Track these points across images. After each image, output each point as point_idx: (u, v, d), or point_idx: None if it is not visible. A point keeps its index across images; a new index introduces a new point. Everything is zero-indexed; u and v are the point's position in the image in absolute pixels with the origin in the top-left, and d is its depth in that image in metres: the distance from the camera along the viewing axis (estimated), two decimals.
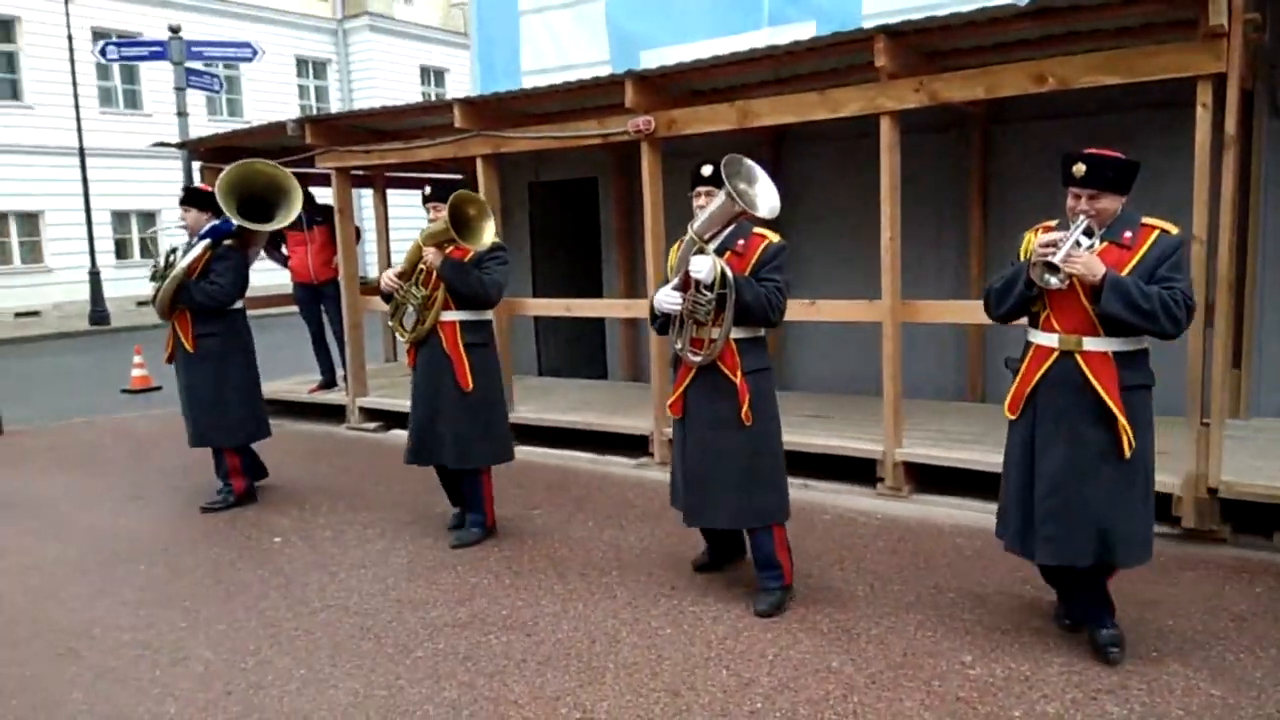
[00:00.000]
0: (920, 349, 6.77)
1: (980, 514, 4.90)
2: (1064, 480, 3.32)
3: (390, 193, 10.14)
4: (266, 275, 15.04)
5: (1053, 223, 3.43)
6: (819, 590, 4.16)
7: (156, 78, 21.06)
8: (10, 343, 17.10)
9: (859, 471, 5.67)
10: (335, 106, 26.50)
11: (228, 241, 5.64)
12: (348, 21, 27.03)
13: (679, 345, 4.00)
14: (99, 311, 18.96)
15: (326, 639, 3.84)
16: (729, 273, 3.80)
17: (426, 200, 4.85)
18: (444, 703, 3.30)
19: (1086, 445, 3.29)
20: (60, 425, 8.62)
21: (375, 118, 7.60)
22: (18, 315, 20.23)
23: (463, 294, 4.76)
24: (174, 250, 5.67)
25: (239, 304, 5.73)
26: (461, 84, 27.82)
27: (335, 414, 8.24)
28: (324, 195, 8.45)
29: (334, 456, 7.05)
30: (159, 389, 10.48)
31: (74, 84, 18.61)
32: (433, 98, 27.52)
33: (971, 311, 5.10)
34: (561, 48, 9.23)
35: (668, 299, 3.98)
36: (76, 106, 18.56)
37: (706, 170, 3.92)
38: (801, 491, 5.66)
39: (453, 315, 4.83)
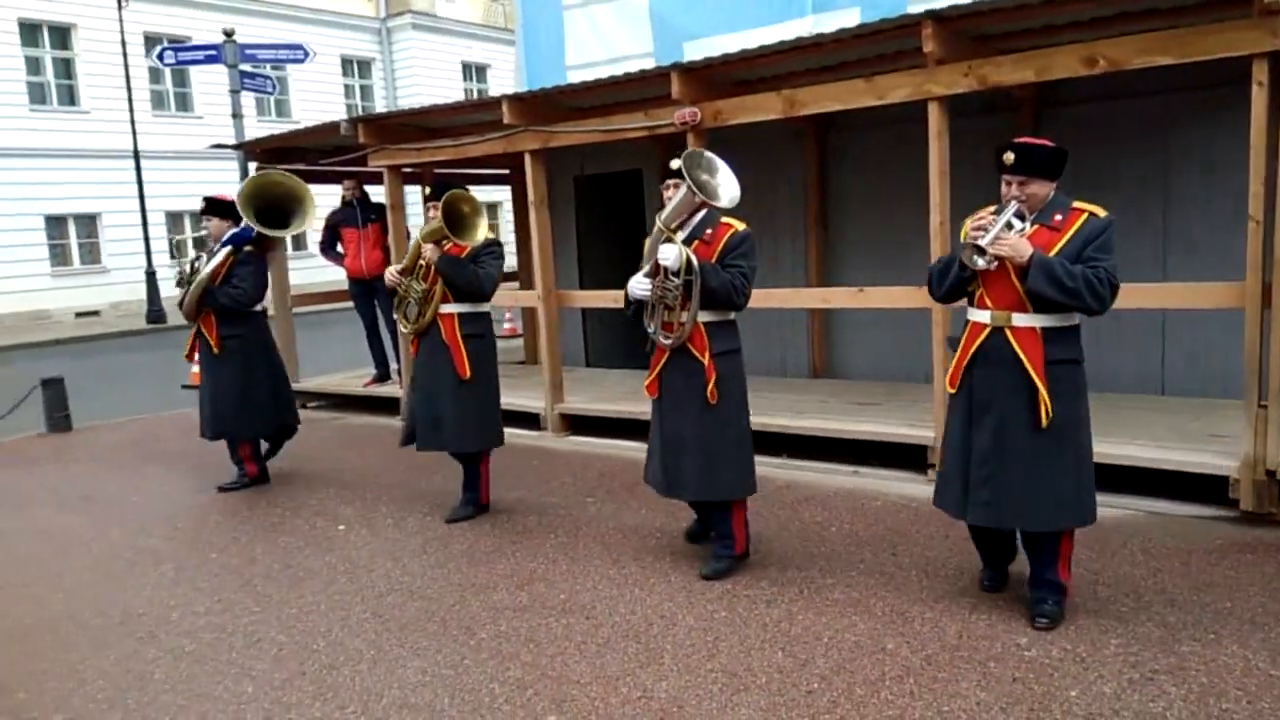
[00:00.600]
0: None
1: None
2: (994, 449, 3.51)
3: None
4: (320, 273, 15.40)
5: (992, 208, 3.57)
6: (872, 574, 4.20)
7: (207, 80, 21.55)
8: (72, 342, 17.62)
9: (910, 458, 5.68)
10: (380, 105, 26.85)
11: (248, 248, 5.92)
12: (391, 20, 27.36)
13: (651, 329, 4.22)
14: (155, 310, 19.44)
15: (394, 622, 3.98)
16: (694, 260, 4.02)
17: (426, 199, 5.12)
18: (508, 681, 3.41)
19: (1015, 416, 3.48)
20: (126, 421, 8.91)
21: (426, 115, 7.73)
22: (78, 315, 20.86)
23: (459, 287, 5.01)
24: (199, 256, 5.96)
25: (259, 306, 6.05)
26: (503, 80, 28.01)
27: (391, 406, 8.41)
28: (377, 193, 8.63)
29: (391, 448, 7.20)
30: None
31: (128, 89, 19.06)
32: (475, 94, 27.79)
33: None
34: (605, 41, 9.29)
35: (639, 285, 4.22)
36: (131, 110, 19.02)
37: (675, 164, 4.13)
38: (852, 478, 5.70)
39: (451, 308, 5.09)
